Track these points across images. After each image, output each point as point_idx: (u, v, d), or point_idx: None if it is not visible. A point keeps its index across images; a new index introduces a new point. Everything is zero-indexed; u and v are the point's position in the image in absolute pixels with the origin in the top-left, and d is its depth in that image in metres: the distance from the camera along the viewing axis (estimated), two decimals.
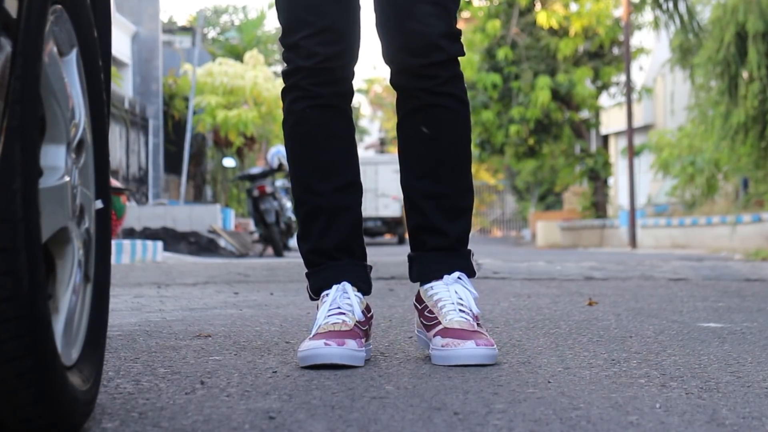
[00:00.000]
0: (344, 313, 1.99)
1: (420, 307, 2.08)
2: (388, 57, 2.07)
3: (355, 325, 1.98)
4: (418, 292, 2.10)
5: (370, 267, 2.13)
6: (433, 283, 2.07)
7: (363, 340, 1.98)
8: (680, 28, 13.25)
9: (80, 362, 1.39)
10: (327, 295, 2.04)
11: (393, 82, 2.10)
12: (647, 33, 20.70)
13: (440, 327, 2.00)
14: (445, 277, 2.06)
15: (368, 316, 2.04)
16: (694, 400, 1.59)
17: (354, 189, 2.12)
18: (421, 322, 2.07)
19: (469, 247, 2.13)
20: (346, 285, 2.04)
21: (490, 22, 22.22)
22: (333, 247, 2.08)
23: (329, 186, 2.08)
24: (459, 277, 2.07)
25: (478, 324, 2.01)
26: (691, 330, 2.64)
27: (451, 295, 2.04)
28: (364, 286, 2.08)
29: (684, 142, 17.99)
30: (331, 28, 2.04)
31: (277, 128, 17.54)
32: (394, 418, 1.44)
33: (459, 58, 2.06)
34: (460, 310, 2.01)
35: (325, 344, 1.90)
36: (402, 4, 2.02)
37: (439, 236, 2.09)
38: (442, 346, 1.96)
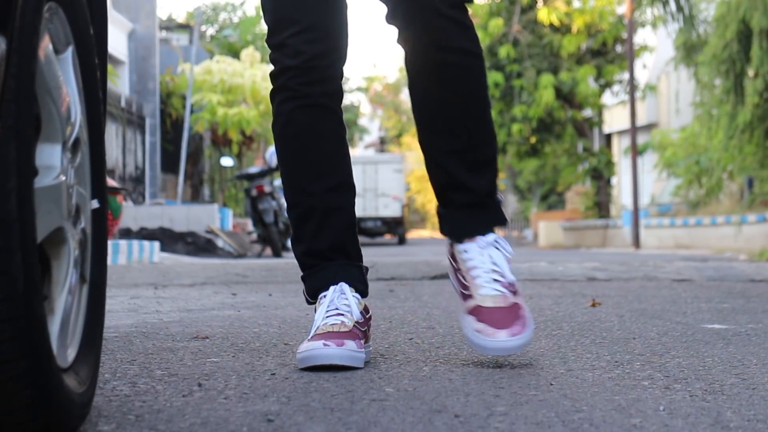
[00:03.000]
0: (342, 314, 1.97)
1: (454, 266, 2.05)
2: (392, 11, 2.00)
3: (354, 325, 1.96)
4: (452, 247, 2.06)
5: (367, 268, 2.11)
6: (467, 245, 2.03)
7: (362, 342, 1.96)
8: (683, 25, 13.24)
9: (76, 364, 1.38)
10: (324, 296, 2.02)
11: (400, 38, 2.03)
12: (651, 30, 20.70)
13: (473, 304, 1.97)
14: (479, 239, 2.02)
15: (367, 317, 2.02)
16: (698, 403, 1.57)
17: (346, 189, 2.10)
18: (457, 280, 2.04)
19: (498, 196, 2.09)
20: (344, 286, 2.02)
21: (491, 20, 22.23)
22: (327, 247, 2.06)
23: (321, 186, 2.06)
24: (495, 240, 2.02)
25: (513, 292, 1.98)
26: (695, 331, 2.62)
27: (485, 261, 2.00)
28: (361, 287, 2.06)
29: (688, 141, 18.00)
30: (318, 26, 2.02)
31: None
32: (394, 420, 1.42)
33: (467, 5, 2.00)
34: (494, 279, 1.98)
35: (324, 345, 1.88)
36: None
37: (466, 193, 2.04)
38: (476, 331, 1.94)
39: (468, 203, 2.05)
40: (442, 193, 2.09)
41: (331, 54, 2.04)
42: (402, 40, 2.03)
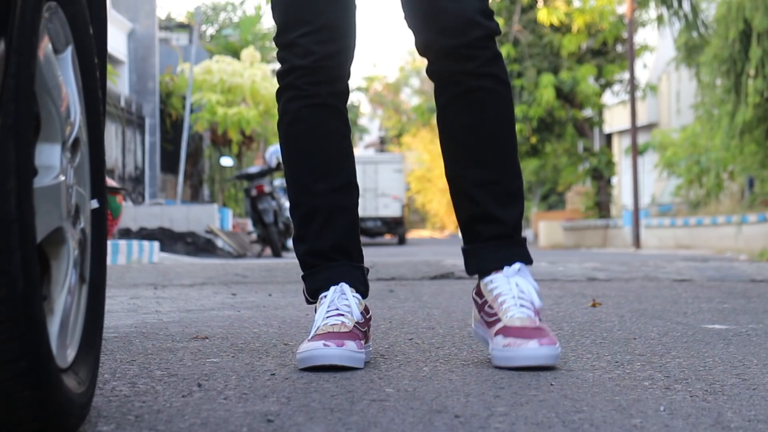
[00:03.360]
0: (343, 314, 1.97)
1: (480, 302, 2.03)
2: (424, 44, 2.02)
3: (354, 326, 1.96)
4: (478, 285, 2.05)
5: (367, 269, 2.11)
6: (493, 276, 2.02)
7: (362, 342, 1.96)
8: (684, 25, 13.20)
9: (75, 364, 1.37)
10: (325, 296, 2.02)
11: (431, 70, 2.05)
12: (651, 30, 20.70)
13: (501, 325, 1.95)
14: (506, 268, 2.01)
15: (367, 317, 2.02)
16: (698, 403, 1.57)
17: (350, 189, 2.09)
18: (482, 318, 2.02)
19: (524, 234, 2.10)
20: (344, 286, 2.02)
21: None
22: (329, 247, 2.05)
23: (325, 186, 2.06)
24: (520, 269, 2.02)
25: (540, 319, 1.97)
26: (696, 332, 2.62)
27: (511, 288, 1.99)
28: (361, 288, 2.06)
29: (689, 141, 17.99)
30: (328, 27, 2.02)
31: (275, 126, 17.51)
32: (394, 421, 1.42)
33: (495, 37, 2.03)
34: (521, 305, 1.97)
35: (324, 345, 1.88)
36: None
37: (495, 224, 2.05)
38: (504, 346, 1.92)
39: (495, 235, 2.05)
40: (468, 227, 2.08)
41: (341, 54, 2.04)
42: (433, 71, 2.05)
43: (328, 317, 1.96)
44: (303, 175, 2.07)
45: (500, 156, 2.06)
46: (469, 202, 2.07)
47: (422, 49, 2.04)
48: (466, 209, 2.08)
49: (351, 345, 1.90)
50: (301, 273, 2.10)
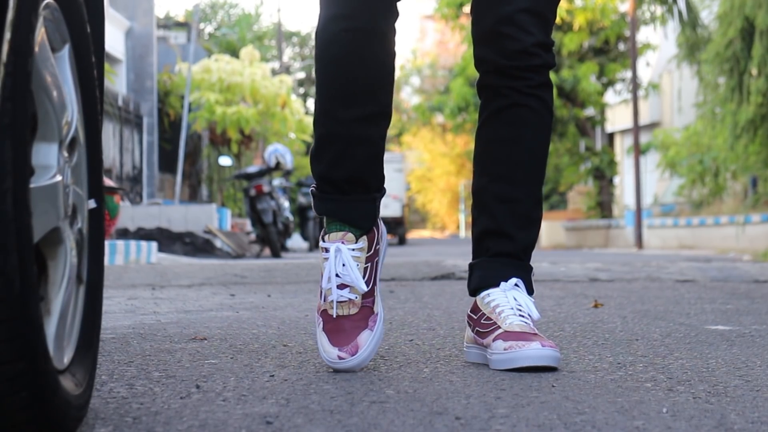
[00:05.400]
0: (348, 285, 1.91)
1: (475, 317, 2.01)
2: (481, 58, 2.05)
3: (362, 303, 1.91)
4: (474, 303, 2.04)
5: (384, 191, 2.00)
6: (489, 290, 2.01)
7: (375, 315, 1.92)
8: (680, 21, 13.20)
9: (73, 366, 1.36)
10: (326, 257, 1.93)
11: (481, 84, 2.07)
12: (654, 28, 20.70)
13: (500, 331, 1.94)
14: (502, 284, 2.01)
15: (370, 254, 1.94)
16: (701, 405, 1.56)
17: (379, 120, 1.97)
18: (477, 331, 2.00)
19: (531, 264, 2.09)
20: (342, 250, 1.92)
21: None
22: (344, 179, 1.95)
23: (351, 115, 1.93)
24: (516, 284, 2.01)
25: (536, 329, 1.98)
26: (699, 333, 2.61)
27: (509, 300, 1.99)
28: (365, 224, 1.95)
29: (691, 140, 17.99)
30: None
31: (275, 125, 17.52)
32: (395, 423, 1.41)
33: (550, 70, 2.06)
34: (520, 315, 1.96)
35: (340, 358, 1.87)
36: (504, 12, 1.99)
37: (505, 241, 2.04)
38: (505, 350, 1.90)
39: (503, 252, 2.04)
40: (480, 241, 2.07)
41: None
42: (483, 84, 2.07)
43: (334, 288, 1.90)
44: (329, 99, 1.95)
45: (529, 178, 2.07)
46: (487, 215, 2.06)
47: (478, 62, 2.06)
48: (483, 222, 2.07)
49: (364, 340, 1.88)
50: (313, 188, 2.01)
